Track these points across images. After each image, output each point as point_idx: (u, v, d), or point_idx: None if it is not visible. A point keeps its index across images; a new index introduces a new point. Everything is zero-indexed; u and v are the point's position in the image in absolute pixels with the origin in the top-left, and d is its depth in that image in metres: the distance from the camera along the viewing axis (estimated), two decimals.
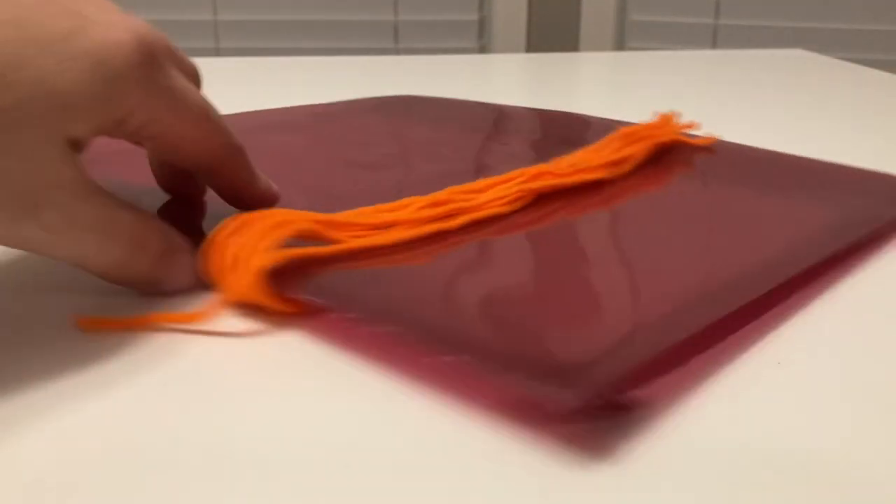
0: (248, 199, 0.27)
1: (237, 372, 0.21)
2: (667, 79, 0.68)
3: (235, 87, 0.62)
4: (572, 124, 0.46)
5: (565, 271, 0.26)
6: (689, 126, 0.40)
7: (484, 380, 0.19)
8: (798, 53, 0.80)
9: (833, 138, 0.46)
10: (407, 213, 0.27)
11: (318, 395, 0.20)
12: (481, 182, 0.30)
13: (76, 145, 0.22)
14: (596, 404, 0.18)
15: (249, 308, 0.23)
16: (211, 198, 0.29)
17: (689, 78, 0.69)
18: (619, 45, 1.49)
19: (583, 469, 0.17)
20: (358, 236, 0.26)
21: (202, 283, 0.24)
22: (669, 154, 0.38)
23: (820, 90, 0.63)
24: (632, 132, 0.37)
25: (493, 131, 0.45)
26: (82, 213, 0.22)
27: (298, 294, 0.22)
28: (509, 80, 0.73)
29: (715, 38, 1.44)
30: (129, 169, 0.31)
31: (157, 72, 0.23)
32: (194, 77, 0.26)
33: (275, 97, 0.58)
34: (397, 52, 1.43)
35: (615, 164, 0.35)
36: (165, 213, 0.29)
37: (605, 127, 0.39)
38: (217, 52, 1.42)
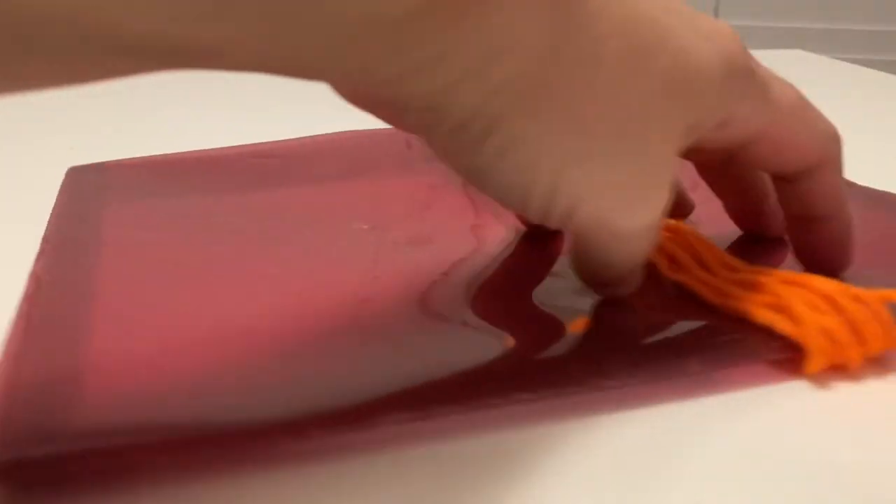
0: (840, 216, 0.25)
1: None
2: None
3: (235, 87, 0.62)
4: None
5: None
6: None
7: None
8: (798, 53, 0.80)
9: None
10: None
11: None
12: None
13: (686, 136, 0.21)
14: None
15: None
16: None
17: None
18: None
19: None
20: None
21: None
22: None
23: (820, 90, 0.63)
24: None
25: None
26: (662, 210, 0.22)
27: None
28: None
29: None
30: None
31: (752, 64, 0.22)
32: None
33: (275, 97, 0.58)
34: None
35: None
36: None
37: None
38: None
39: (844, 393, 0.22)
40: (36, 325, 0.23)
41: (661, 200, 0.22)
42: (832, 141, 0.25)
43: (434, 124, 0.19)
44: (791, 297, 0.23)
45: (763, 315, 0.23)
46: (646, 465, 0.19)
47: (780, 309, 0.23)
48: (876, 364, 0.22)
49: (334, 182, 0.38)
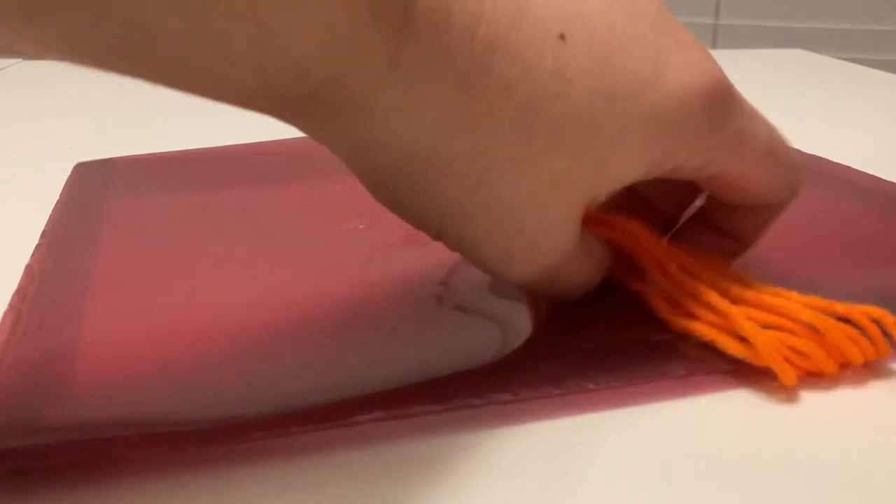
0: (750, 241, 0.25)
1: None
2: None
3: None
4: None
5: None
6: None
7: None
8: (798, 53, 0.80)
9: (833, 138, 0.46)
10: None
11: None
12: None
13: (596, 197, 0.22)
14: None
15: None
16: None
17: None
18: None
19: None
20: None
21: None
22: None
23: (820, 90, 0.63)
24: None
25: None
26: (572, 266, 0.23)
27: None
28: None
29: (715, 38, 1.44)
30: None
31: (722, 118, 0.21)
32: None
33: None
34: None
35: None
36: None
37: None
38: None
39: (826, 398, 0.21)
40: (25, 318, 0.23)
41: (547, 258, 0.22)
42: (788, 190, 0.24)
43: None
44: (738, 315, 0.22)
45: (707, 333, 0.22)
46: (625, 465, 0.19)
47: (727, 329, 0.22)
48: (863, 371, 0.22)
49: (334, 181, 0.37)
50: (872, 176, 0.36)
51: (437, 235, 0.21)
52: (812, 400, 0.21)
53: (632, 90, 0.20)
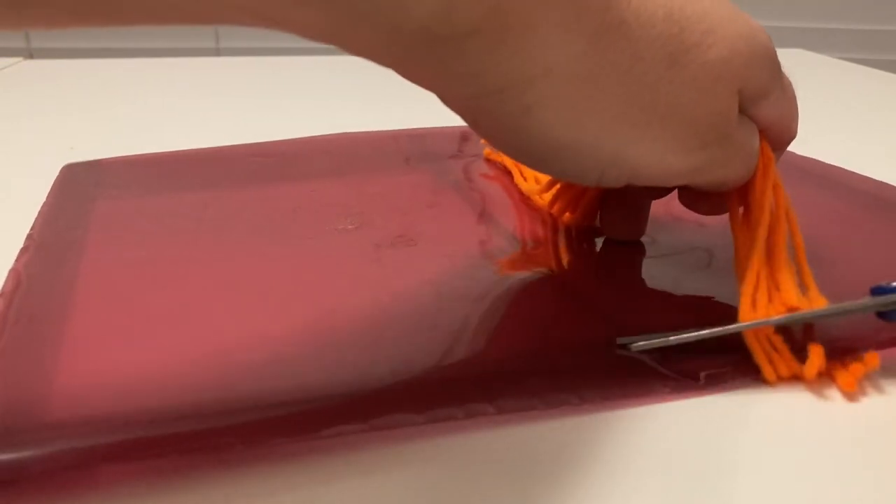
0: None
1: None
2: None
3: (235, 87, 0.62)
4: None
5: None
6: None
7: None
8: (798, 53, 0.80)
9: (833, 138, 0.46)
10: None
11: None
12: None
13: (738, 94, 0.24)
14: None
15: None
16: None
17: None
18: None
19: None
20: None
21: None
22: None
23: (820, 90, 0.63)
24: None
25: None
26: (737, 143, 0.24)
27: None
28: None
29: None
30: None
31: (779, 67, 0.25)
32: None
33: (275, 97, 0.58)
34: None
35: None
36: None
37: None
38: (217, 52, 1.42)
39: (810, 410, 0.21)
40: (11, 324, 0.23)
41: (712, 146, 0.24)
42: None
43: (472, 120, 0.22)
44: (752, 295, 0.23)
45: (744, 313, 0.23)
46: (605, 482, 0.19)
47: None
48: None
49: (324, 182, 0.37)
50: (868, 178, 0.36)
51: (607, 170, 0.22)
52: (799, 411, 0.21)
53: (736, 11, 0.23)
